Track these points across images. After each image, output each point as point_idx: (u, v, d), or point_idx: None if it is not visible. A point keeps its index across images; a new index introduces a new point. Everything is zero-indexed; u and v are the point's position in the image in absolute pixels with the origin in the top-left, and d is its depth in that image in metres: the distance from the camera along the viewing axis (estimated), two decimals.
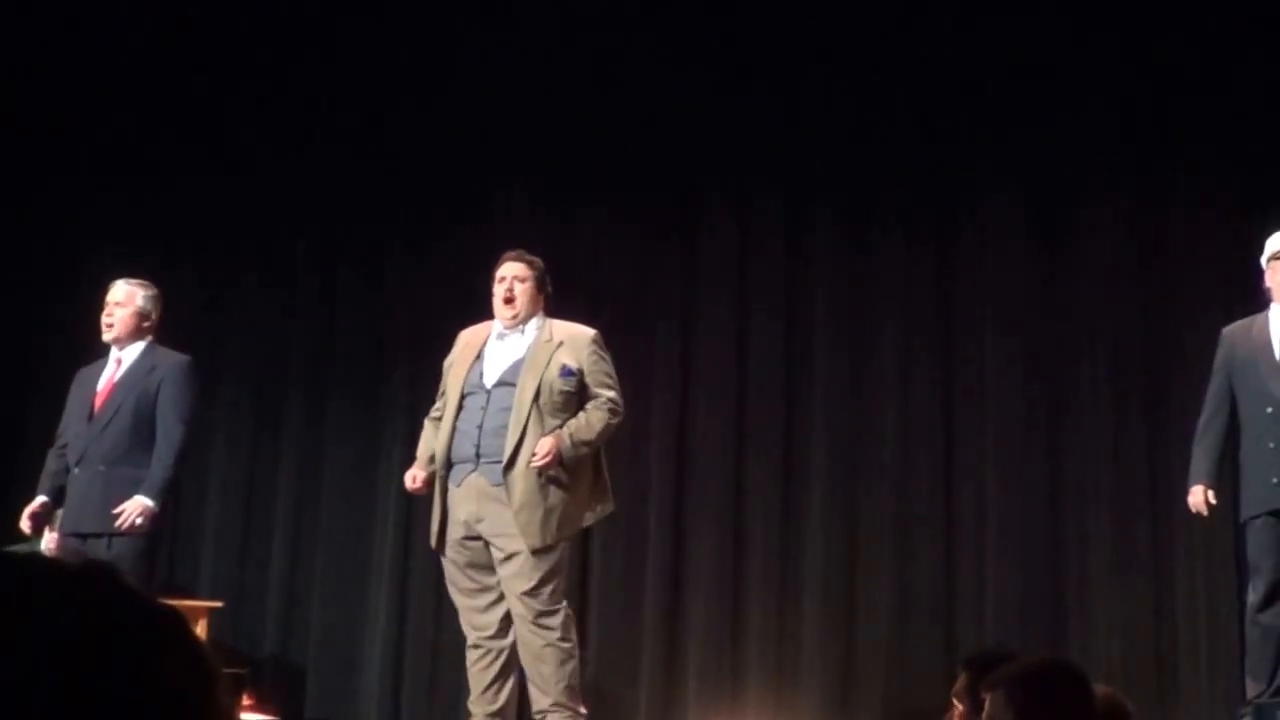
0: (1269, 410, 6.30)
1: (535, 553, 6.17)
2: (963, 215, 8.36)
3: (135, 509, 6.50)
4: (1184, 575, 7.80)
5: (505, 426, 6.26)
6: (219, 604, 7.58)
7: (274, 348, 8.57)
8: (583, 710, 6.29)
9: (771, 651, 7.98)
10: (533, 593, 6.20)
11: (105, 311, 6.83)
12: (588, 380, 6.37)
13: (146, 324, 6.86)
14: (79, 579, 1.30)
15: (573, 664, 6.24)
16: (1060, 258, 8.24)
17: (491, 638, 6.34)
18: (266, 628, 8.26)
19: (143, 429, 6.68)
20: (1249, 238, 6.84)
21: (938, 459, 8.12)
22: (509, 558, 6.21)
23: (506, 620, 6.31)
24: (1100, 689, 3.92)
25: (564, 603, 6.30)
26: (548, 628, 6.21)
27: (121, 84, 8.54)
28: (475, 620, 6.39)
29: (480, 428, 6.30)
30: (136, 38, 8.57)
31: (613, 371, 6.46)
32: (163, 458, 6.63)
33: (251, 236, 8.60)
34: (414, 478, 6.48)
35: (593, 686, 7.87)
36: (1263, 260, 6.51)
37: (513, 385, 6.32)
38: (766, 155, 8.39)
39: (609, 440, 6.48)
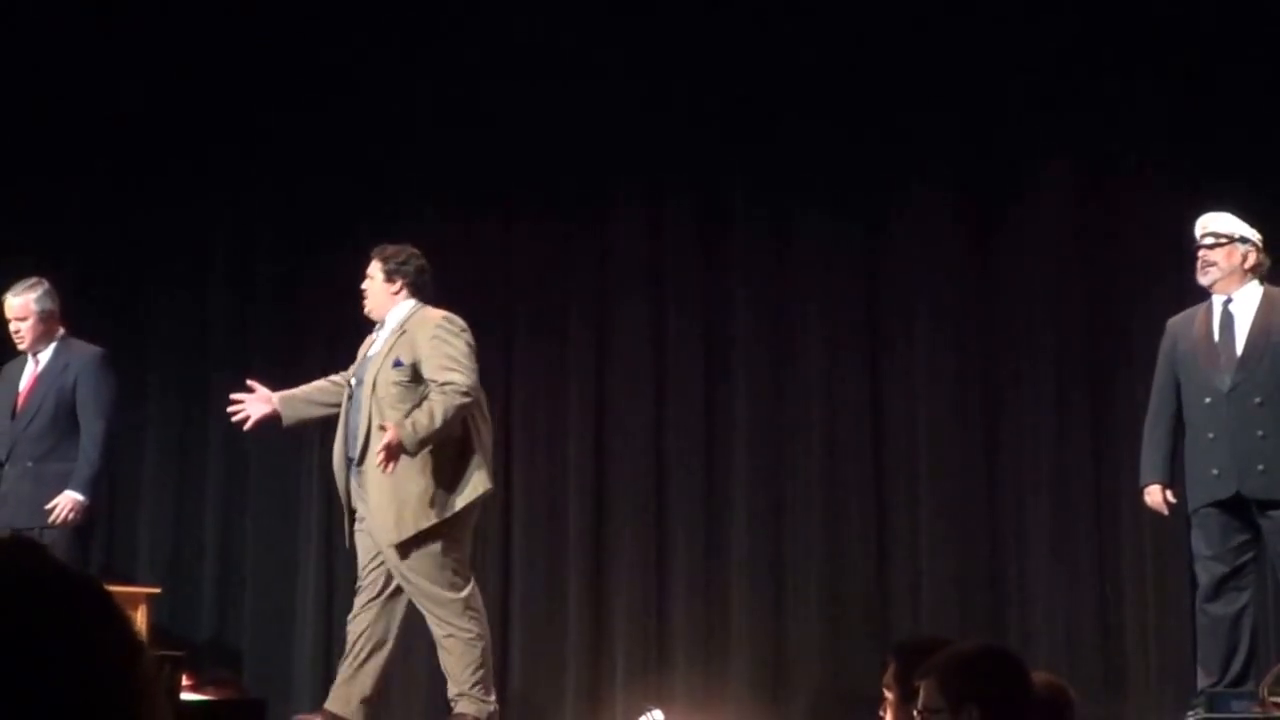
0: (1207, 400, 6.33)
1: (397, 547, 6.17)
2: (890, 197, 8.22)
3: (67, 504, 6.82)
4: (1131, 563, 7.77)
5: (360, 425, 6.31)
6: (157, 590, 7.63)
7: (194, 342, 8.62)
8: (491, 699, 6.30)
9: (699, 644, 7.95)
10: (417, 589, 6.23)
11: (11, 327, 7.06)
12: (424, 368, 6.24)
13: (52, 321, 7.09)
14: (5, 553, 1.30)
15: (477, 650, 6.23)
16: (996, 240, 8.14)
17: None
18: (203, 612, 8.36)
19: (64, 424, 6.98)
20: (1196, 214, 6.77)
21: (866, 446, 8.04)
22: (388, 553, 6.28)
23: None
24: (1040, 676, 3.88)
25: (463, 591, 6.24)
26: (441, 619, 6.23)
27: (40, 85, 8.49)
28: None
29: (345, 427, 6.38)
30: (57, 43, 8.53)
31: (462, 352, 6.26)
32: (88, 453, 6.93)
33: (167, 236, 8.61)
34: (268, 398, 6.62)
35: (519, 684, 7.91)
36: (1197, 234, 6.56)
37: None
38: (680, 144, 8.29)
39: (462, 420, 6.24)
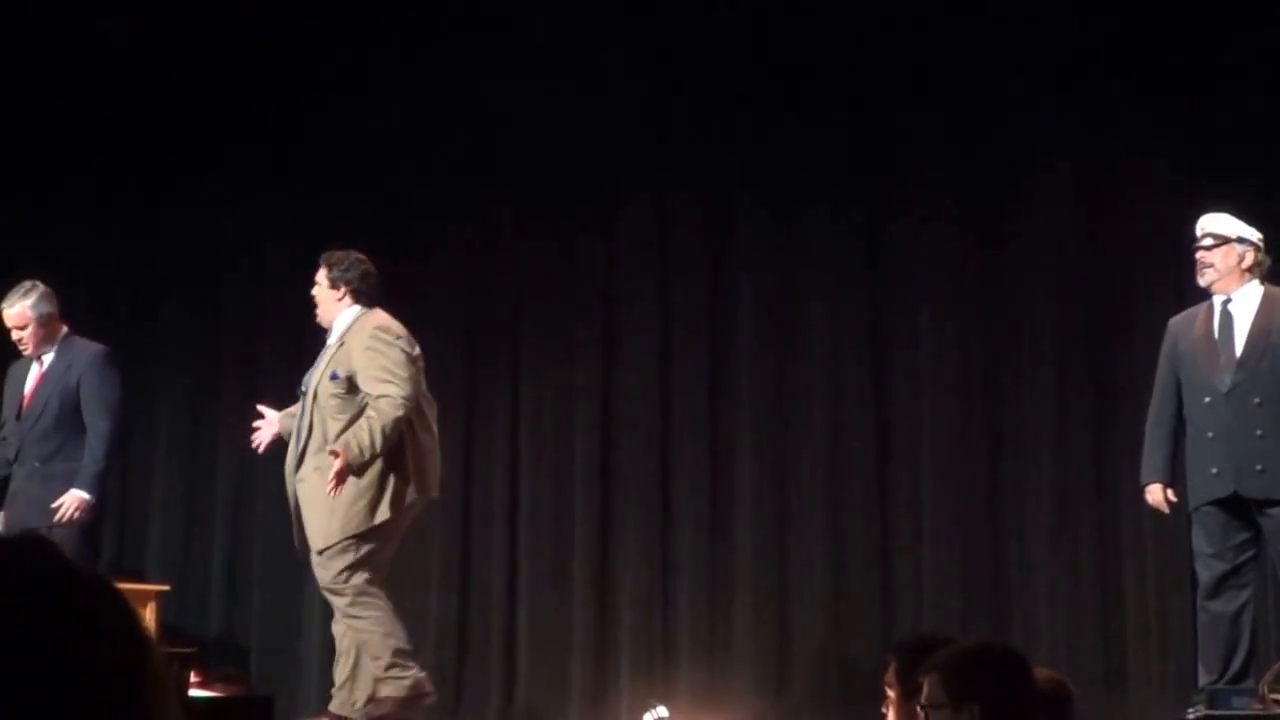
0: (1207, 400, 6.33)
1: (320, 553, 6.33)
2: (892, 198, 8.23)
3: (73, 503, 6.86)
4: (1133, 561, 7.75)
5: (302, 430, 6.45)
6: (166, 587, 7.64)
7: (204, 341, 8.65)
8: (410, 670, 6.35)
9: (704, 642, 7.95)
10: (321, 578, 6.37)
11: (12, 336, 7.05)
12: (359, 380, 6.33)
13: (52, 323, 7.08)
14: (16, 550, 1.31)
15: (379, 634, 6.30)
16: (997, 240, 8.13)
17: None
18: (211, 610, 8.41)
19: (69, 423, 6.99)
20: (1197, 214, 6.79)
21: (870, 446, 8.05)
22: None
23: None
24: (1041, 672, 3.89)
25: (353, 580, 6.32)
26: (340, 610, 6.34)
27: (44, 97, 8.50)
28: None
29: (294, 433, 6.51)
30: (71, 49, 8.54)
31: (396, 362, 6.34)
32: (93, 451, 6.94)
33: (177, 236, 8.62)
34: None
35: (525, 682, 7.98)
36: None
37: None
38: (681, 145, 8.31)
39: (400, 431, 6.33)
